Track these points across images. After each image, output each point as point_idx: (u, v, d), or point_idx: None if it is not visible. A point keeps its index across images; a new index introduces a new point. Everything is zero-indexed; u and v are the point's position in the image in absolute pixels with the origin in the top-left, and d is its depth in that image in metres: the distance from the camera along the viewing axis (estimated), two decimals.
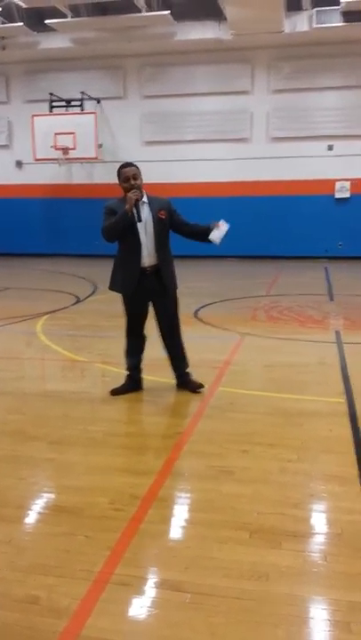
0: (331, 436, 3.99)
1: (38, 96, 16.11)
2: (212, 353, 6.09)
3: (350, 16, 13.10)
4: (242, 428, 4.13)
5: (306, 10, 13.57)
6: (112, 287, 4.83)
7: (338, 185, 15.52)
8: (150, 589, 2.44)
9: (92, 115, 15.46)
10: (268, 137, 15.72)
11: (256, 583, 2.44)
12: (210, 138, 15.72)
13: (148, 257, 4.58)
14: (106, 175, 16.42)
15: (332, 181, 15.52)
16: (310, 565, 2.58)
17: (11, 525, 2.94)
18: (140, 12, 13.33)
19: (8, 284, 11.69)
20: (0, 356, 6.34)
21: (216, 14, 13.63)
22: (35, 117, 15.47)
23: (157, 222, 4.57)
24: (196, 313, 7.93)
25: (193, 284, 9.45)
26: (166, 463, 3.58)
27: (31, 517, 3.06)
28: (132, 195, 4.42)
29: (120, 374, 5.18)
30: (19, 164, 17.12)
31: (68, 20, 13.77)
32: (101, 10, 13.92)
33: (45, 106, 15.71)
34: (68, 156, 15.43)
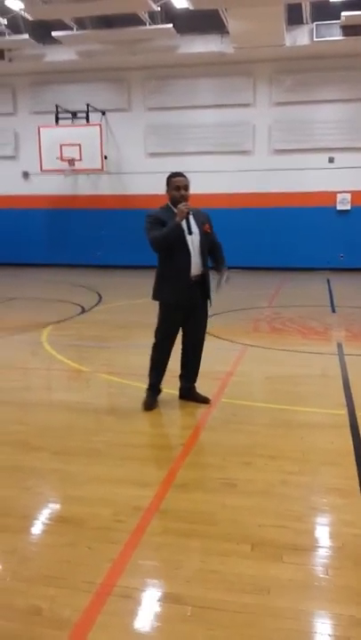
0: (332, 449, 4.00)
1: (44, 108, 16.24)
2: (215, 364, 6.10)
3: (350, 30, 13.22)
4: (244, 440, 4.15)
5: (306, 24, 13.70)
6: (159, 297, 4.73)
7: (339, 197, 15.58)
8: (152, 602, 2.46)
9: (98, 126, 15.59)
10: (270, 149, 15.81)
11: (257, 597, 2.45)
12: (212, 150, 15.82)
13: (195, 267, 4.57)
14: (111, 186, 16.59)
15: (334, 193, 15.59)
16: (312, 579, 2.59)
17: (14, 535, 2.96)
18: (144, 24, 13.47)
19: (14, 295, 11.75)
20: (5, 366, 6.37)
21: (218, 28, 13.77)
22: (41, 129, 15.60)
23: (203, 235, 4.59)
24: None
25: None
26: (169, 475, 3.60)
27: (34, 528, 3.08)
28: (183, 207, 4.40)
29: (123, 384, 5.21)
30: (25, 174, 17.23)
31: (74, 32, 13.90)
32: (106, 23, 14.07)
33: (51, 117, 15.83)
34: (73, 168, 15.53)
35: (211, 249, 4.74)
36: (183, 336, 4.84)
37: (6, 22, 13.72)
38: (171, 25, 13.48)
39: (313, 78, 15.13)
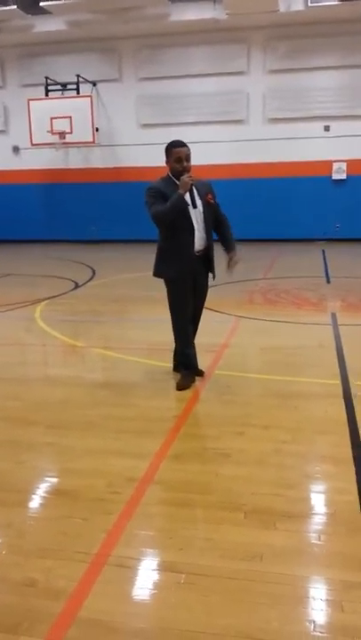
0: (325, 418, 4.02)
1: (34, 80, 15.99)
2: (210, 336, 6.09)
3: None
4: (238, 411, 4.17)
5: None
6: (159, 273, 4.53)
7: (335, 166, 15.44)
8: (146, 570, 2.49)
9: (88, 98, 15.35)
10: (265, 118, 15.62)
11: (251, 563, 2.48)
12: (206, 120, 15.62)
13: (198, 241, 4.39)
14: (103, 159, 16.40)
15: (329, 162, 15.44)
16: (304, 545, 2.62)
17: (10, 509, 2.98)
18: None
19: (6, 271, 11.68)
20: None
21: None
22: (31, 102, 15.37)
23: (206, 206, 4.39)
24: None
25: None
26: (163, 446, 3.62)
27: (30, 501, 3.10)
28: (187, 179, 4.18)
29: (117, 359, 5.21)
30: (15, 149, 17.02)
31: (63, 1, 13.62)
32: None
33: (41, 90, 15.60)
34: (64, 141, 15.34)
35: (216, 224, 4.56)
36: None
37: None
38: None
39: (308, 45, 14.85)
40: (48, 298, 8.55)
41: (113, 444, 3.70)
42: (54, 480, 3.31)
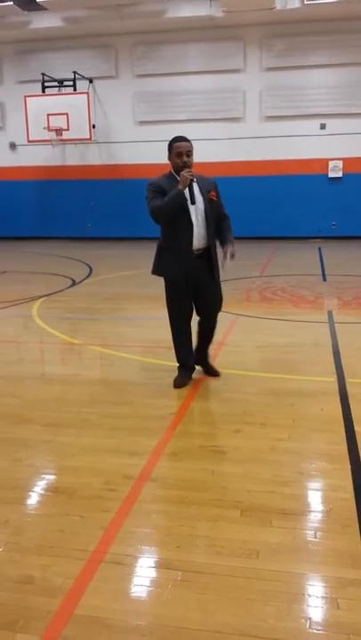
0: (321, 415, 4.03)
1: (30, 77, 15.95)
2: None
3: None
4: (234, 409, 4.18)
5: None
6: (158, 272, 4.49)
7: (331, 164, 15.45)
8: (143, 568, 2.49)
9: (85, 95, 15.31)
10: (261, 116, 15.62)
11: (246, 561, 2.49)
12: (202, 117, 15.60)
13: (198, 239, 4.32)
14: (100, 156, 16.38)
15: (325, 161, 15.45)
16: (300, 542, 2.63)
17: (7, 507, 2.98)
18: None
19: (3, 268, 11.66)
20: None
21: None
22: (27, 98, 15.32)
23: (208, 204, 4.33)
24: None
25: None
26: (160, 444, 3.62)
27: (27, 498, 3.11)
28: (187, 174, 4.13)
29: (114, 356, 5.21)
30: (12, 145, 16.98)
31: None
32: None
33: (38, 86, 15.54)
34: (61, 137, 15.31)
35: (217, 221, 4.49)
36: (196, 312, 4.62)
37: None
38: None
39: (304, 43, 14.85)
40: (45, 295, 8.55)
41: (109, 441, 3.71)
42: (51, 477, 3.32)
